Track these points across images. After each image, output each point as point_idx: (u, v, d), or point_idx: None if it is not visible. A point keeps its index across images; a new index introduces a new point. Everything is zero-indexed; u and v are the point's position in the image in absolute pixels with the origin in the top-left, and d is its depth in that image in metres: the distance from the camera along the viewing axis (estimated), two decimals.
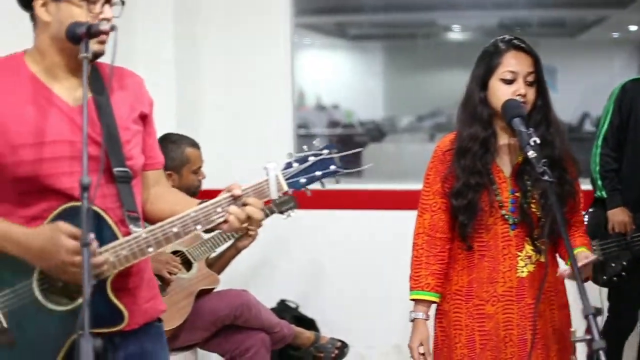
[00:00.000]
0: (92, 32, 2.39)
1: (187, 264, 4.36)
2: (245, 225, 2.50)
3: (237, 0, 5.48)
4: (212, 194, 2.62)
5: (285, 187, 2.53)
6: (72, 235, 2.34)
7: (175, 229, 2.46)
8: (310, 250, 5.48)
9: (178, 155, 4.39)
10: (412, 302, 3.22)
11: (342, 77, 8.26)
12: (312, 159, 2.54)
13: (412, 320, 3.20)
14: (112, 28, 2.38)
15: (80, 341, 2.04)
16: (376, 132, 7.46)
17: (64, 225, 2.35)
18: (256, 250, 4.91)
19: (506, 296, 3.13)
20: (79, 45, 2.39)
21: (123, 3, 2.54)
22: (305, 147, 2.57)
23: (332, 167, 2.55)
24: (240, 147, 5.40)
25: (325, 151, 2.55)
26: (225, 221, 2.48)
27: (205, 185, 4.47)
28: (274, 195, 2.51)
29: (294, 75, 5.63)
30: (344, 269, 5.44)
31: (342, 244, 5.45)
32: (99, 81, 2.55)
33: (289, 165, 2.54)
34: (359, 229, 5.44)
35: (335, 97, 7.89)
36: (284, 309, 5.33)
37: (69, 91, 2.52)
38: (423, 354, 3.16)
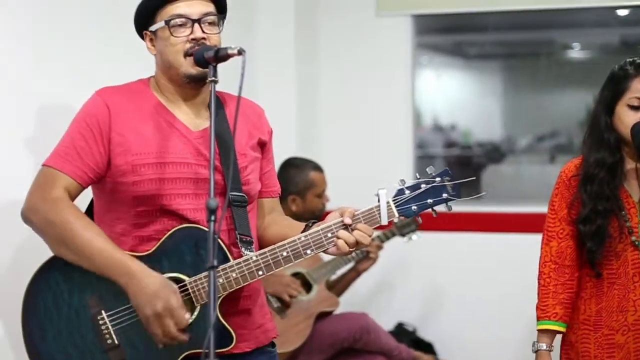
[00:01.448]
0: (220, 56, 2.42)
1: (307, 286, 4.37)
2: (353, 249, 2.51)
3: (358, 19, 5.49)
4: None
5: (396, 214, 2.53)
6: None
7: (285, 253, 2.48)
8: (429, 273, 5.44)
9: (302, 180, 4.41)
10: (533, 327, 3.15)
11: (459, 97, 8.18)
12: (424, 186, 2.54)
13: (535, 352, 3.12)
14: (240, 52, 2.39)
15: None
16: (495, 153, 7.35)
17: (177, 290, 2.41)
18: (375, 272, 4.90)
19: (637, 325, 3.04)
20: (205, 68, 2.44)
21: (224, 19, 2.58)
22: (417, 174, 2.57)
23: (445, 195, 2.55)
24: (360, 168, 5.39)
25: (438, 179, 2.54)
26: (335, 245, 2.50)
27: (327, 207, 4.47)
28: (384, 221, 2.52)
29: (414, 95, 5.61)
30: (463, 292, 5.38)
31: (461, 267, 5.39)
32: (219, 108, 2.60)
33: (400, 192, 2.54)
34: (478, 252, 5.37)
35: (452, 117, 7.82)
36: (401, 332, 5.29)
37: (189, 116, 2.59)
38: None
